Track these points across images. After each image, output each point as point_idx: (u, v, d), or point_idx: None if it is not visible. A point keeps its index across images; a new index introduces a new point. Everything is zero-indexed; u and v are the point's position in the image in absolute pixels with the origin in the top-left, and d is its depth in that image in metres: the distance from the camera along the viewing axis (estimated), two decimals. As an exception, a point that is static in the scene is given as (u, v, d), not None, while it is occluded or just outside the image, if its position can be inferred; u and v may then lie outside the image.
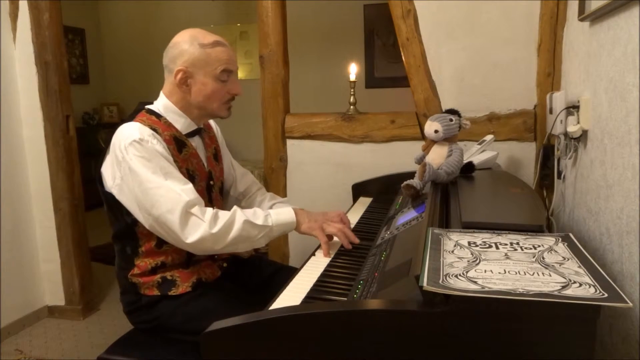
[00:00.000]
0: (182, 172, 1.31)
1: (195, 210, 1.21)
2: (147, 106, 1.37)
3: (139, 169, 1.21)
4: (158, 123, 1.31)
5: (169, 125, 1.34)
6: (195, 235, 1.20)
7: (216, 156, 1.51)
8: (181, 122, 1.36)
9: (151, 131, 1.26)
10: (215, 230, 1.21)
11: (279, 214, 1.32)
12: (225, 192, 1.62)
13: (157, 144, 1.25)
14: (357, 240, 1.33)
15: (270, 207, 1.60)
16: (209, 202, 1.43)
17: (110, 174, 1.27)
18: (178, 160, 1.31)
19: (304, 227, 1.34)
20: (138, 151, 1.22)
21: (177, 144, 1.33)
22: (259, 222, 1.27)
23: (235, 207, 1.28)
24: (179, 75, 1.30)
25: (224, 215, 1.24)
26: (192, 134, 1.39)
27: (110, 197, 1.29)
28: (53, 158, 2.51)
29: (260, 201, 1.63)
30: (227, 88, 1.35)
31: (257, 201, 1.64)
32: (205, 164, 1.43)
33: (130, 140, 1.22)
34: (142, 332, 1.38)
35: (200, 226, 1.20)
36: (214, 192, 1.46)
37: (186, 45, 1.31)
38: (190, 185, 1.25)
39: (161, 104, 1.36)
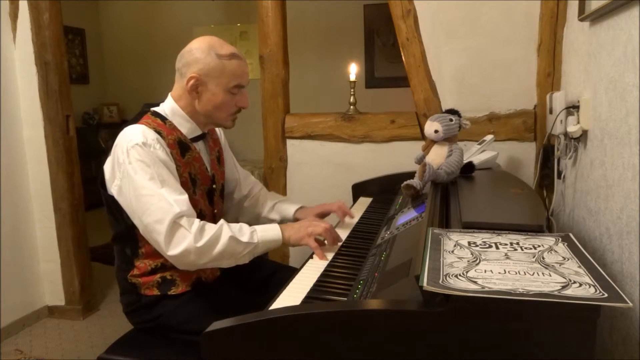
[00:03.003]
0: (184, 177, 1.31)
1: (183, 221, 1.19)
2: (153, 108, 1.36)
3: (136, 174, 1.21)
4: (163, 126, 1.31)
5: (174, 129, 1.33)
6: (179, 248, 1.18)
7: (219, 159, 1.52)
8: (187, 127, 1.36)
9: (155, 135, 1.26)
10: (200, 244, 1.19)
11: (265, 230, 1.30)
12: (227, 194, 1.62)
13: (159, 150, 1.24)
14: (340, 240, 1.37)
15: (273, 207, 1.63)
16: (210, 205, 1.43)
17: (111, 176, 1.27)
18: (180, 164, 1.31)
19: (293, 240, 1.31)
20: (139, 155, 1.21)
21: (181, 148, 1.33)
22: (245, 239, 1.25)
23: (222, 222, 1.26)
24: (191, 82, 1.30)
25: (210, 229, 1.22)
26: (196, 139, 1.39)
27: (111, 199, 1.29)
28: (53, 158, 2.51)
29: (262, 202, 1.64)
30: (235, 100, 1.36)
31: (259, 201, 1.65)
32: (209, 168, 1.43)
33: (133, 144, 1.22)
34: (142, 332, 1.38)
35: (186, 238, 1.18)
36: (215, 195, 1.46)
37: (203, 53, 1.30)
38: (185, 197, 1.23)
39: (168, 107, 1.36)
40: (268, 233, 1.30)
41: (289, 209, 1.61)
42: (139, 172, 1.21)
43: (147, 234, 1.23)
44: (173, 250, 1.19)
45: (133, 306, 1.36)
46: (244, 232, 1.26)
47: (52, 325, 2.58)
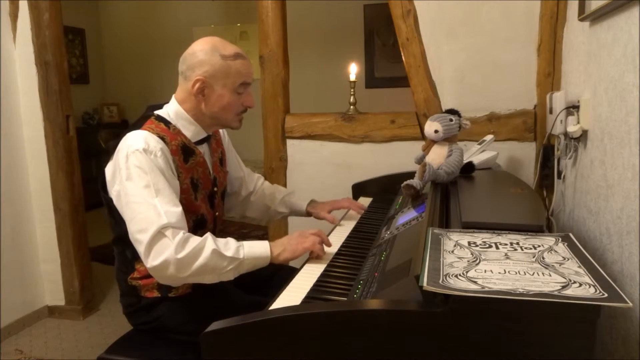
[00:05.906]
0: (185, 184, 1.30)
1: (168, 232, 1.15)
2: (157, 112, 1.35)
3: (131, 180, 1.19)
4: (166, 131, 1.29)
5: (178, 133, 1.32)
6: (159, 258, 1.14)
7: (221, 160, 1.51)
8: (191, 130, 1.35)
9: (159, 142, 1.24)
10: (181, 255, 1.14)
11: (253, 246, 1.25)
12: (234, 193, 1.64)
13: (160, 158, 1.22)
14: (330, 244, 1.33)
15: (282, 200, 1.68)
16: (211, 208, 1.43)
17: (112, 180, 1.26)
18: (183, 171, 1.30)
19: (285, 256, 1.26)
20: (138, 161, 1.20)
21: (185, 154, 1.31)
22: (229, 253, 1.19)
23: (207, 235, 1.21)
24: (197, 85, 1.28)
25: (194, 241, 1.18)
26: (200, 142, 1.38)
27: (111, 202, 1.28)
28: (53, 158, 2.51)
29: (269, 194, 1.68)
30: (241, 100, 1.35)
31: (266, 194, 1.68)
32: (211, 170, 1.42)
33: (134, 149, 1.21)
34: (142, 332, 1.38)
35: (167, 248, 1.14)
36: (216, 198, 1.45)
37: (207, 55, 1.28)
38: (178, 209, 1.20)
39: (172, 110, 1.34)
40: (256, 249, 1.25)
41: (301, 204, 1.66)
42: (134, 179, 1.19)
43: (132, 242, 1.20)
44: (153, 261, 1.15)
45: (133, 307, 1.36)
46: (229, 246, 1.22)
47: (52, 325, 2.58)
